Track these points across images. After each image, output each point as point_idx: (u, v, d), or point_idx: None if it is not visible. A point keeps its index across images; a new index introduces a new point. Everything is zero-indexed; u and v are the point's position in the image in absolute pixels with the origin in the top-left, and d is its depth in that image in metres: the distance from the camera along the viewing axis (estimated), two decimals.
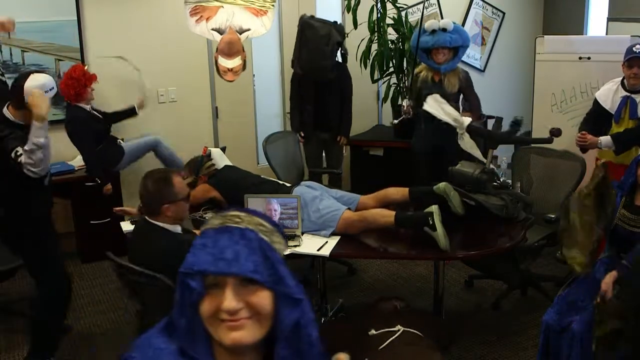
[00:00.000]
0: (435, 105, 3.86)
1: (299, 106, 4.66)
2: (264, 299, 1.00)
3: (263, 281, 0.99)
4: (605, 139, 3.63)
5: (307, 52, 4.46)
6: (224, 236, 1.00)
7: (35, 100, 2.72)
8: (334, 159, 4.81)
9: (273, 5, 3.62)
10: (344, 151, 4.88)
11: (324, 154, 4.84)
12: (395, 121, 4.29)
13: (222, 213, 1.06)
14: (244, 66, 3.57)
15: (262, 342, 1.03)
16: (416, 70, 4.19)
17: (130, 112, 4.51)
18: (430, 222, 2.80)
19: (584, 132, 3.69)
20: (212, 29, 3.48)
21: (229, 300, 0.97)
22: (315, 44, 4.43)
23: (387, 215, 2.95)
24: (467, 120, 3.69)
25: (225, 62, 3.46)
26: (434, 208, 2.85)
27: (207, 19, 3.49)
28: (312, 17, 4.63)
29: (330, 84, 4.56)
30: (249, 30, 3.55)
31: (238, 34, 3.50)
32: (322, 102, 4.60)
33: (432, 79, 4.09)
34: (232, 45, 3.47)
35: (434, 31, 3.99)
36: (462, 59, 6.08)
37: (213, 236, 1.01)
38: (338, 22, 4.62)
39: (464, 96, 4.16)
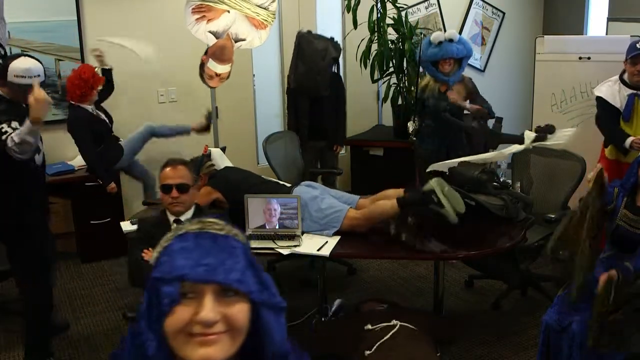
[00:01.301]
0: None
1: (294, 119, 4.71)
2: (242, 312, 0.90)
3: (247, 291, 0.90)
4: None
5: (302, 65, 4.49)
6: (206, 241, 0.91)
7: (36, 101, 2.64)
8: (329, 164, 4.86)
9: (272, 22, 3.62)
10: (337, 159, 4.92)
11: (318, 161, 4.87)
12: (414, 138, 4.30)
13: (201, 219, 0.97)
14: (228, 75, 3.57)
15: None
16: (422, 83, 4.21)
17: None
18: (435, 199, 2.80)
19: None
20: (209, 31, 3.46)
21: (208, 310, 0.86)
22: (311, 57, 4.46)
23: (390, 204, 2.95)
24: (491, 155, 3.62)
25: (215, 67, 3.44)
26: (433, 183, 2.85)
27: (209, 21, 3.47)
28: (309, 32, 4.66)
29: (324, 97, 4.60)
30: (244, 40, 3.54)
31: (233, 42, 3.49)
32: (318, 113, 4.64)
33: (438, 89, 4.12)
34: (226, 51, 3.45)
35: (440, 43, 4.02)
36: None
37: (193, 240, 0.91)
38: (335, 39, 4.64)
39: (471, 102, 4.15)
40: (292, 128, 4.78)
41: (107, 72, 4.32)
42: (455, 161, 3.30)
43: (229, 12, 3.46)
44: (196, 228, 0.94)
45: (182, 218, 2.70)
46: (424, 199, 2.87)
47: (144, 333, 0.89)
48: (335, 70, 4.69)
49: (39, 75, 2.90)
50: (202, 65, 3.54)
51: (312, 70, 4.49)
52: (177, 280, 0.87)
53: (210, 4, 3.44)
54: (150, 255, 2.57)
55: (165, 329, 0.88)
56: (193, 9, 3.44)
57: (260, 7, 3.52)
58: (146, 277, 0.91)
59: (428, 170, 3.39)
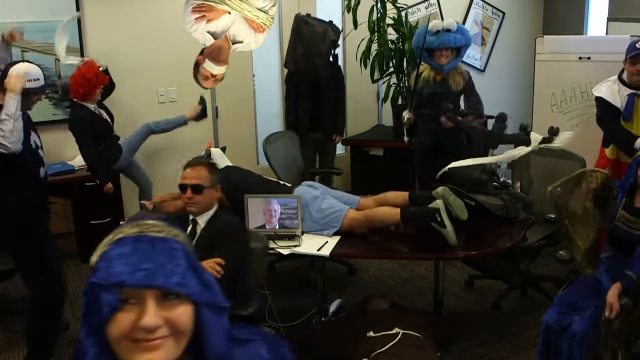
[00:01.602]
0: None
1: (293, 106, 4.70)
2: (185, 314, 0.90)
3: (189, 294, 0.89)
4: None
5: (301, 47, 4.48)
6: (144, 245, 0.89)
7: (10, 79, 2.85)
8: (328, 157, 4.86)
9: (271, 26, 3.62)
10: (336, 150, 4.92)
11: (317, 154, 4.87)
12: (406, 139, 4.29)
13: (139, 221, 0.95)
14: (223, 76, 3.58)
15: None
16: (420, 70, 4.20)
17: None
18: (438, 219, 2.81)
19: None
20: (208, 31, 3.46)
21: (150, 316, 0.86)
22: (310, 40, 4.45)
23: (393, 213, 2.96)
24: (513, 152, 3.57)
25: (211, 67, 3.43)
26: (439, 203, 2.86)
27: (209, 21, 3.46)
28: (308, 15, 4.64)
29: (324, 84, 4.59)
30: (241, 42, 3.54)
31: (230, 43, 3.49)
32: (317, 102, 4.64)
33: (433, 78, 4.11)
34: (223, 52, 3.44)
35: (437, 31, 4.00)
36: (463, 59, 6.12)
37: (131, 244, 0.89)
38: (333, 22, 4.64)
39: (465, 96, 4.16)
40: (291, 118, 4.76)
41: (104, 71, 4.32)
42: (470, 161, 3.30)
43: (229, 13, 3.45)
44: (134, 232, 0.92)
45: (201, 220, 2.69)
46: (427, 217, 2.88)
47: (84, 339, 0.88)
48: (335, 54, 4.65)
49: (38, 79, 2.97)
50: (197, 66, 3.53)
51: (311, 52, 4.48)
52: (115, 286, 0.86)
53: (212, 3, 3.42)
54: None
55: (108, 335, 0.87)
56: (193, 8, 3.42)
57: (261, 10, 3.51)
58: None
59: (449, 167, 3.36)
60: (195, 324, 0.92)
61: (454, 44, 3.99)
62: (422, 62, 4.19)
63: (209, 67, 3.42)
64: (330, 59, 4.66)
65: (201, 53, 3.51)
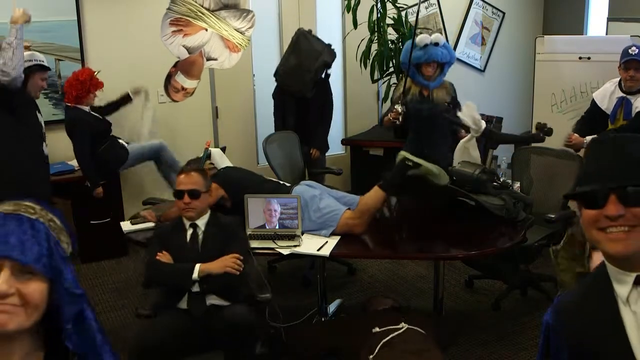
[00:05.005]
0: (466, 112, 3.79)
1: (282, 121, 4.70)
2: (37, 290, 0.99)
3: (43, 272, 0.98)
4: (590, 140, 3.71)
5: (294, 59, 4.49)
6: (13, 222, 0.99)
7: (15, 13, 2.97)
8: (316, 169, 4.83)
9: (246, 48, 3.65)
10: (325, 162, 4.89)
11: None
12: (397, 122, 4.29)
13: (18, 201, 1.04)
14: (193, 91, 3.60)
15: (37, 331, 1.03)
16: (400, 88, 4.19)
17: (125, 99, 4.47)
18: (410, 164, 2.84)
19: (570, 133, 3.82)
20: (183, 45, 3.49)
21: (2, 282, 0.95)
22: (305, 54, 4.46)
23: (376, 193, 3.02)
24: (483, 123, 3.64)
25: (183, 80, 3.48)
26: (401, 153, 2.95)
27: (185, 35, 3.49)
28: (310, 31, 4.65)
29: (312, 99, 4.58)
30: (215, 60, 3.57)
31: (205, 59, 3.52)
32: (304, 116, 4.64)
33: (420, 93, 4.10)
34: (196, 67, 3.48)
35: (425, 46, 4.02)
36: (462, 59, 6.13)
37: (1, 219, 0.99)
38: (332, 46, 4.63)
39: (453, 108, 4.13)
40: (278, 130, 4.77)
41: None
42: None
43: (206, 30, 3.49)
44: (10, 209, 1.01)
45: (200, 223, 2.77)
46: (399, 169, 2.94)
47: None
48: (324, 76, 4.66)
49: (42, 61, 3.16)
50: (169, 77, 3.56)
51: (302, 66, 4.48)
52: None
53: (190, 19, 3.46)
54: (165, 257, 2.64)
55: None
56: (172, 20, 3.46)
57: (237, 31, 3.56)
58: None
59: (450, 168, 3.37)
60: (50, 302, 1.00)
61: (441, 58, 4.01)
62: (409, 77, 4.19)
63: (181, 79, 3.48)
64: (323, 76, 4.64)
65: (175, 65, 3.55)
